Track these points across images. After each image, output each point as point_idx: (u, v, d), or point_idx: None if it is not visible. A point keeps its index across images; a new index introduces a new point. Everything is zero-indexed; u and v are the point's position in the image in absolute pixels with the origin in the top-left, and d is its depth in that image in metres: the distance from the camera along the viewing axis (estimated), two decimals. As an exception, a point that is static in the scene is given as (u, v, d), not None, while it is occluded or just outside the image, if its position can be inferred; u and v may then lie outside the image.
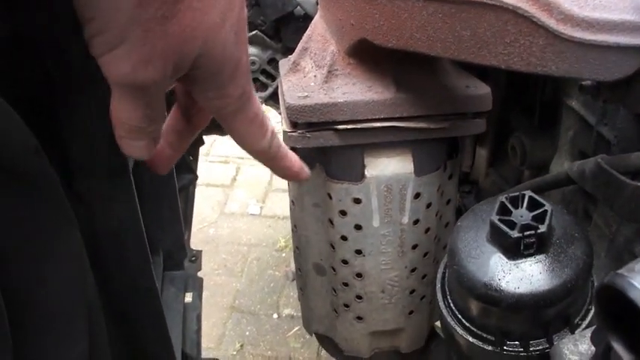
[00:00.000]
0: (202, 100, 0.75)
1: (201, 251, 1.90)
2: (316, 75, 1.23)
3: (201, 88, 0.72)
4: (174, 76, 0.66)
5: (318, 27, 1.30)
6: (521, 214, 0.99)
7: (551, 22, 0.88)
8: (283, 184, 3.74)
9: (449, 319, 1.10)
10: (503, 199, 1.01)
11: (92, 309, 0.81)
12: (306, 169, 0.94)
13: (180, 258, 1.67)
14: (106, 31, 0.59)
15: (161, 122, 0.74)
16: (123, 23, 0.59)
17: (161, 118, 0.73)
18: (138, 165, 1.34)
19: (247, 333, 2.88)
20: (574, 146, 1.30)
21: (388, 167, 1.20)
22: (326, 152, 1.20)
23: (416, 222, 1.27)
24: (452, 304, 1.10)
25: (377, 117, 1.15)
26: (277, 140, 0.88)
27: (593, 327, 0.86)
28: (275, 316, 2.96)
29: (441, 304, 1.13)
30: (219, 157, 3.85)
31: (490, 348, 1.04)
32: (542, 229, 0.97)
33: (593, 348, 0.86)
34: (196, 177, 1.98)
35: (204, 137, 2.15)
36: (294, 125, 1.17)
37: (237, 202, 3.59)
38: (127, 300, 0.96)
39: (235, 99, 0.75)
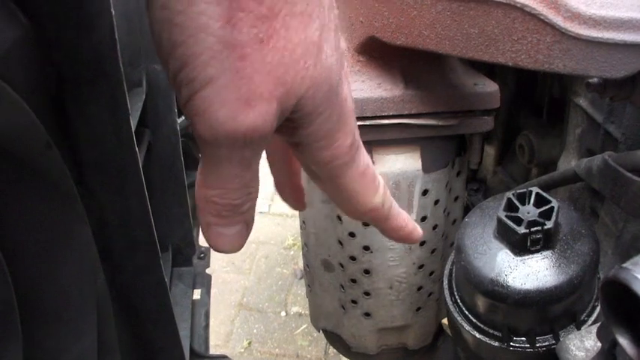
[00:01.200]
0: (308, 154, 0.59)
1: (209, 248, 1.90)
2: (325, 72, 1.23)
3: (308, 137, 0.57)
4: (281, 119, 0.52)
5: (327, 24, 1.30)
6: (528, 211, 1.00)
7: (559, 20, 0.89)
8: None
9: (456, 315, 1.10)
10: (510, 196, 1.01)
11: (101, 302, 0.81)
12: (418, 229, 0.76)
13: (189, 254, 1.68)
14: (191, 59, 0.47)
15: (257, 195, 0.58)
16: (211, 47, 0.47)
17: (257, 189, 0.57)
18: (148, 160, 1.35)
19: (255, 330, 2.88)
20: (581, 144, 1.30)
21: (396, 164, 1.20)
22: (335, 149, 1.20)
23: (424, 219, 1.28)
24: (459, 301, 1.11)
25: (385, 114, 1.15)
26: (389, 195, 0.71)
27: (599, 323, 0.86)
28: (283, 313, 2.96)
29: (448, 300, 1.13)
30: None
31: (497, 344, 1.05)
32: (549, 225, 0.97)
33: (599, 344, 0.86)
34: (205, 174, 1.98)
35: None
36: (304, 122, 1.17)
37: (245, 200, 3.58)
38: (136, 294, 0.96)
39: (347, 148, 0.60)
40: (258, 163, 0.54)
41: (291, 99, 0.51)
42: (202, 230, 0.57)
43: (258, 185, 0.56)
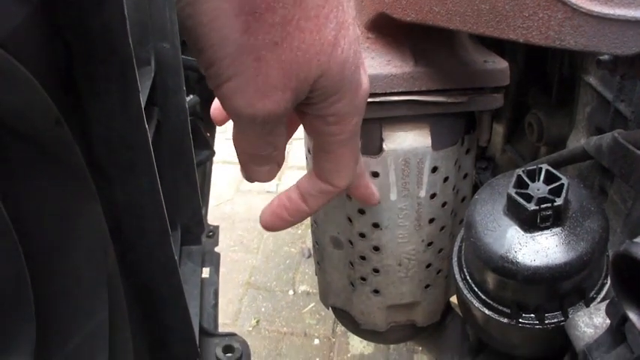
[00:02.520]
0: (318, 124, 0.71)
1: (218, 226, 1.91)
2: (335, 49, 1.23)
3: (320, 112, 0.69)
4: (295, 103, 0.64)
5: (336, 2, 1.30)
6: (538, 187, 0.99)
7: (570, -4, 0.89)
8: (299, 161, 3.75)
9: (465, 292, 1.11)
10: (520, 173, 1.01)
11: (112, 280, 0.81)
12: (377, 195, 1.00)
13: (197, 233, 1.68)
14: (216, 62, 0.57)
15: (284, 144, 0.72)
16: (232, 52, 0.56)
17: (284, 141, 0.71)
18: (157, 139, 1.35)
19: (263, 309, 2.89)
20: (591, 122, 1.30)
21: (406, 141, 1.20)
22: (344, 126, 1.20)
23: (433, 196, 1.27)
24: (468, 277, 1.11)
25: (395, 91, 1.15)
26: (360, 172, 0.90)
27: (609, 300, 0.86)
28: (291, 292, 2.97)
29: (457, 277, 1.13)
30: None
31: (506, 320, 1.05)
32: (559, 202, 0.97)
33: (607, 321, 0.87)
34: (214, 152, 1.99)
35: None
36: (313, 99, 1.17)
37: (253, 180, 3.59)
38: (145, 271, 0.97)
39: (352, 126, 0.72)
40: (282, 127, 0.68)
41: (304, 87, 0.62)
42: (240, 165, 0.73)
43: (283, 139, 0.70)
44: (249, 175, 0.75)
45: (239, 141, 0.69)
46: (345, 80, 0.65)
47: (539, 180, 1.01)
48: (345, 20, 0.62)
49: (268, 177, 0.75)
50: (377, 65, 1.17)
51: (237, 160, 0.73)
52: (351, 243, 1.38)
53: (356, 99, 0.69)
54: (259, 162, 0.72)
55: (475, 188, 1.34)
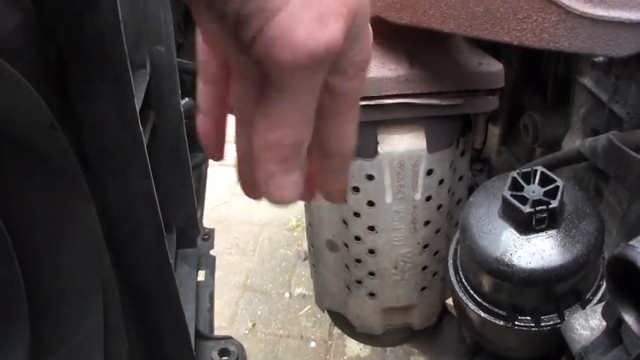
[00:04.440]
0: (333, 82, 0.53)
1: (213, 229, 1.91)
2: (330, 52, 1.23)
3: (343, 64, 0.53)
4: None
5: (331, 4, 1.30)
6: (533, 190, 0.99)
7: (564, -1, 0.89)
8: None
9: (461, 294, 1.10)
10: (515, 175, 1.01)
11: (107, 284, 0.81)
12: None
13: (193, 236, 1.68)
14: None
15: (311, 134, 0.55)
16: None
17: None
18: (152, 142, 1.35)
19: (259, 312, 2.88)
20: (586, 124, 1.30)
21: (401, 144, 1.20)
22: (339, 129, 1.20)
23: (428, 198, 1.27)
24: (464, 280, 1.11)
25: (390, 94, 1.15)
26: None
27: (605, 302, 0.86)
28: (287, 295, 2.96)
29: (453, 279, 1.13)
30: (231, 138, 3.83)
31: (502, 323, 1.05)
32: (554, 204, 0.97)
33: (604, 323, 0.86)
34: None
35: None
36: (308, 102, 1.17)
37: (248, 182, 3.58)
38: (141, 274, 0.96)
39: (363, 80, 0.55)
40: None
41: (351, 17, 0.49)
42: (262, 185, 0.54)
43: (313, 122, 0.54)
44: (277, 193, 0.55)
45: (274, 125, 0.52)
46: (366, 19, 0.52)
47: (534, 182, 1.01)
48: None
49: (297, 192, 0.55)
50: (371, 68, 1.17)
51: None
52: (347, 246, 1.38)
53: (370, 47, 0.55)
54: (291, 164, 0.53)
55: (471, 190, 1.34)
